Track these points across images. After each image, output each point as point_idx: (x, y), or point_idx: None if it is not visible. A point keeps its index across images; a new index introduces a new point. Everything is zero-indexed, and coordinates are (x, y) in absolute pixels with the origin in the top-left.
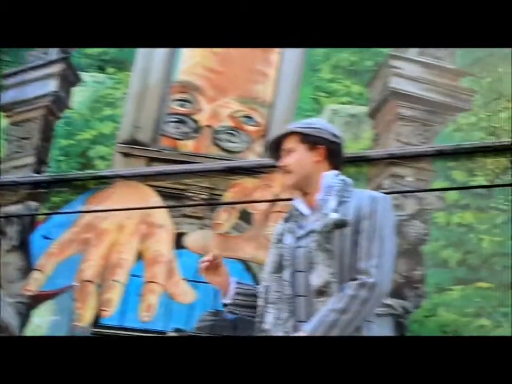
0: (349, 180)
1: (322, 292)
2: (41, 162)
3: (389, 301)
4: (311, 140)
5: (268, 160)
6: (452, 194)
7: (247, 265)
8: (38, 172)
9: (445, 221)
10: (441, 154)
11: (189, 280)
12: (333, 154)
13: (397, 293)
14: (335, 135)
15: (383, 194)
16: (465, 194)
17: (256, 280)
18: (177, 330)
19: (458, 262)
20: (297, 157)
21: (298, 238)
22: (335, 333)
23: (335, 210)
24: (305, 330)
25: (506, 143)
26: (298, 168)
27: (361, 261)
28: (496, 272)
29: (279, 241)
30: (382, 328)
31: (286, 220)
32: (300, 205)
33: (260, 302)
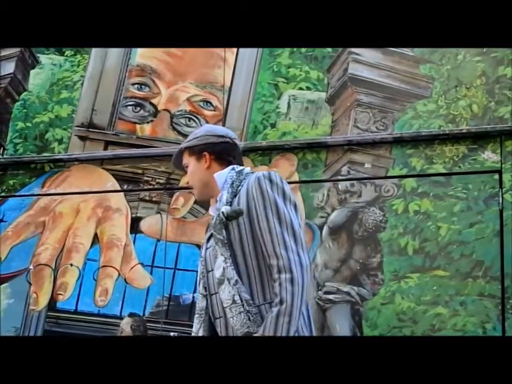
0: (247, 169)
1: (221, 281)
2: None
3: (346, 288)
4: (196, 150)
5: None
6: (410, 182)
7: None
8: None
9: (402, 208)
10: (399, 141)
11: (144, 265)
12: (221, 154)
13: (354, 280)
14: (218, 136)
15: (267, 172)
16: (423, 182)
17: None
18: (132, 315)
19: (416, 250)
20: (191, 170)
21: (207, 240)
22: (283, 321)
23: (229, 203)
24: (259, 331)
25: (464, 131)
26: (195, 181)
27: (269, 246)
28: (454, 260)
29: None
30: (338, 315)
31: (206, 230)
32: (211, 210)
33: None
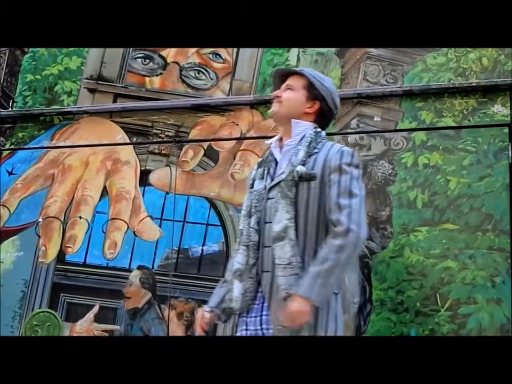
0: (323, 133)
1: (280, 236)
2: (7, 97)
3: None
4: (313, 92)
5: (234, 98)
6: (419, 135)
7: (212, 203)
8: (3, 106)
9: (412, 161)
10: (409, 95)
11: (153, 218)
12: (324, 116)
13: None
14: (334, 103)
15: (350, 149)
16: (433, 135)
17: (221, 218)
18: (141, 267)
19: (425, 203)
20: (294, 96)
21: (269, 189)
22: (319, 282)
23: (303, 162)
24: (296, 290)
25: (474, 84)
26: (289, 106)
27: (332, 213)
28: (463, 214)
29: (252, 186)
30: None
31: (260, 165)
32: (275, 149)
33: (236, 243)
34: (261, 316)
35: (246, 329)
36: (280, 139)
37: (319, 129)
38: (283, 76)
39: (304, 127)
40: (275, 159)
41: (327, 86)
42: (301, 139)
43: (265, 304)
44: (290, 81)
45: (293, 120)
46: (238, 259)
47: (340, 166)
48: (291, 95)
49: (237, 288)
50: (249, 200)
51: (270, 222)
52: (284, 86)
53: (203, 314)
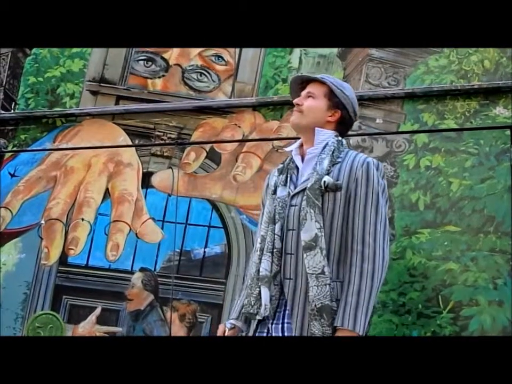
0: (344, 141)
1: (310, 246)
2: (9, 100)
3: None
4: (334, 100)
5: (236, 100)
6: (422, 137)
7: (214, 205)
8: (6, 109)
9: (414, 163)
10: (411, 97)
11: (156, 220)
12: (342, 124)
13: None
14: (354, 111)
15: (375, 160)
16: (435, 137)
17: (223, 220)
18: (143, 269)
19: (427, 205)
20: (316, 105)
21: (292, 197)
22: (362, 312)
23: (328, 171)
24: (340, 323)
25: (476, 86)
26: (310, 115)
27: (357, 230)
28: (465, 215)
29: (274, 192)
30: None
31: (281, 171)
32: (296, 157)
33: (257, 249)
34: (283, 323)
35: (267, 333)
36: (301, 146)
37: (340, 138)
38: (302, 82)
39: (327, 135)
40: (297, 167)
41: (347, 94)
42: (324, 147)
43: (287, 312)
44: (310, 88)
45: (316, 128)
46: (264, 266)
47: (367, 178)
48: (312, 104)
49: (266, 295)
50: (272, 206)
51: (293, 230)
52: (304, 93)
53: (225, 331)
